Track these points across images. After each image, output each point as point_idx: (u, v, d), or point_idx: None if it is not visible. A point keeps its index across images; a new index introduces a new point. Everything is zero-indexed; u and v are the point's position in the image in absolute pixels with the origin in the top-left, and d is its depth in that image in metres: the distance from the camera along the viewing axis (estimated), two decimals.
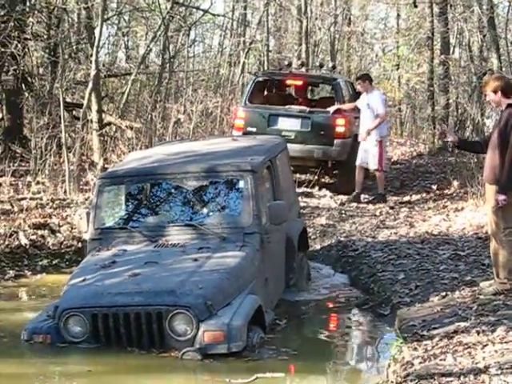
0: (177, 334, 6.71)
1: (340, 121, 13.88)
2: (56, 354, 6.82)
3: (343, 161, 14.08)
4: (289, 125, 13.98)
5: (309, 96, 17.85)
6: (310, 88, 18.34)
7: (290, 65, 16.12)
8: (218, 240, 7.66)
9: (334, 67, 16.43)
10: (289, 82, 15.84)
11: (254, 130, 13.44)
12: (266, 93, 15.62)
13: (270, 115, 14.05)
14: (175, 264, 7.31)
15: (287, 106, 14.59)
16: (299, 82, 15.55)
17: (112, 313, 6.76)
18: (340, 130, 13.86)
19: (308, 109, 14.32)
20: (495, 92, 7.76)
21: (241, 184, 7.92)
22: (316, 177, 14.63)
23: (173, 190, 8.19)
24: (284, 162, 9.46)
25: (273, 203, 8.07)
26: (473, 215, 11.48)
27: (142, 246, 7.75)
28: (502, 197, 7.60)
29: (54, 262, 10.25)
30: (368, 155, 13.19)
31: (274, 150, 9.09)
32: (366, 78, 13.71)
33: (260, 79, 15.17)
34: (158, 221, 8.07)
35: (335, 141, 13.80)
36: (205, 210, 8.08)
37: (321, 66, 16.34)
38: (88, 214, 8.08)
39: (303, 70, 16.50)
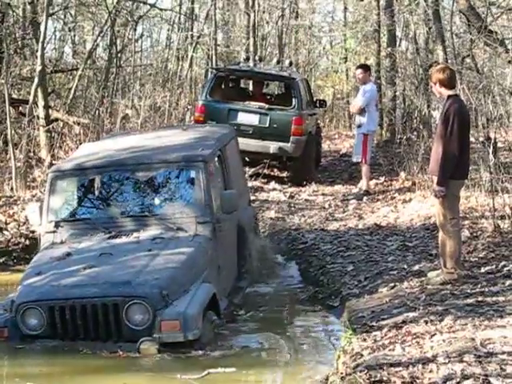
0: (133, 323, 6.78)
1: (296, 119, 14.27)
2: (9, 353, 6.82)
3: (297, 156, 14.48)
4: (247, 120, 14.32)
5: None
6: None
7: (247, 59, 16.46)
8: (171, 230, 7.76)
9: (290, 64, 16.97)
10: (249, 78, 16.48)
11: (213, 123, 13.52)
12: (225, 87, 15.82)
13: (229, 110, 14.38)
14: (130, 255, 7.39)
15: (246, 102, 14.90)
16: (259, 79, 16.05)
17: (69, 305, 6.82)
18: (296, 127, 14.23)
19: (267, 106, 14.70)
20: (438, 84, 7.83)
21: (192, 174, 8.07)
22: (265, 170, 14.72)
23: (125, 182, 8.24)
24: (234, 150, 9.62)
25: (224, 192, 8.24)
26: (420, 206, 11.57)
27: (96, 237, 7.81)
28: (437, 188, 7.68)
29: (1, 260, 10.14)
30: (355, 148, 13.29)
31: (224, 140, 9.22)
32: (367, 68, 13.85)
33: (221, 74, 15.49)
34: (111, 212, 8.15)
35: (291, 138, 14.22)
36: (157, 201, 8.16)
37: (278, 62, 16.66)
38: (40, 207, 8.10)
39: (261, 65, 16.62)
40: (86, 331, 6.85)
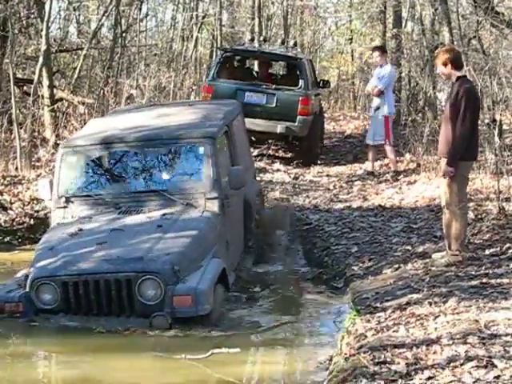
0: (146, 298, 6.91)
1: (303, 99, 14.42)
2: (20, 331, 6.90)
3: (304, 136, 14.62)
4: (255, 100, 14.46)
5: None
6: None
7: (252, 40, 16.61)
8: (180, 206, 7.89)
9: (295, 44, 17.16)
10: (256, 58, 16.62)
11: None
12: (231, 67, 15.83)
13: (236, 90, 14.43)
14: (141, 231, 7.51)
15: (253, 82, 15.02)
16: (266, 60, 16.12)
17: (82, 280, 6.95)
18: (303, 107, 14.36)
19: (274, 86, 14.81)
20: (445, 65, 7.79)
21: (201, 151, 8.15)
22: (270, 151, 14.75)
23: (135, 158, 8.33)
24: (239, 125, 9.77)
25: (232, 169, 8.35)
26: (425, 188, 11.57)
27: (107, 213, 7.94)
28: (448, 168, 7.67)
29: (5, 240, 10.15)
30: (377, 130, 13.19)
31: (231, 115, 9.33)
32: (384, 50, 13.81)
33: (228, 54, 15.65)
34: (121, 188, 8.24)
35: (298, 117, 14.38)
36: (167, 177, 8.25)
37: (282, 42, 16.74)
38: (51, 182, 8.22)
39: (266, 45, 16.69)
40: (99, 306, 6.98)
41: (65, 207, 8.09)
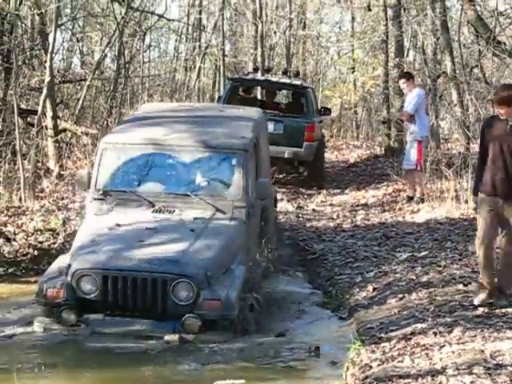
0: (179, 299, 7.40)
1: (309, 126, 15.22)
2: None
3: (310, 160, 15.47)
4: None
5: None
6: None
7: (256, 70, 16.96)
8: (210, 211, 8.35)
9: (298, 73, 17.44)
10: (263, 87, 17.23)
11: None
12: (239, 96, 16.30)
13: None
14: (175, 233, 7.99)
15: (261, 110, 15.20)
16: (272, 88, 16.92)
17: (122, 276, 7.41)
18: (309, 134, 15.16)
19: (281, 113, 15.64)
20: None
21: (233, 161, 8.67)
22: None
23: (171, 161, 8.79)
24: (264, 133, 10.42)
25: (260, 181, 8.91)
26: (429, 216, 11.57)
27: (141, 210, 8.40)
28: None
29: (9, 271, 10.13)
30: (408, 155, 13.09)
31: (259, 125, 9.90)
32: (409, 76, 13.73)
33: (236, 84, 16.37)
34: (155, 188, 8.67)
35: (304, 143, 15.10)
36: (199, 182, 8.68)
37: (285, 72, 17.08)
38: (89, 174, 8.78)
39: (269, 75, 17.02)
40: (134, 301, 7.41)
41: (102, 199, 8.53)
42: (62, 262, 7.88)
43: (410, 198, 13.03)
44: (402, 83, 13.45)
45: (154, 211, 8.35)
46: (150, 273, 7.43)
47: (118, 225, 8.10)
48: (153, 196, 8.53)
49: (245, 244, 8.38)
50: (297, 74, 17.44)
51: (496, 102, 7.45)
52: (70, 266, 7.59)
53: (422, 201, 12.74)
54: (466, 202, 11.70)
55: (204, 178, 8.70)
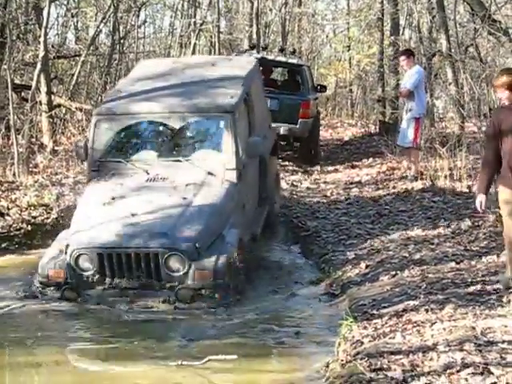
0: (171, 270, 7.81)
1: (304, 103, 15.38)
2: None
3: (304, 137, 15.64)
4: None
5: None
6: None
7: (253, 47, 17.11)
8: (201, 175, 8.64)
9: (294, 51, 17.38)
10: (261, 65, 16.90)
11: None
12: None
13: None
14: (167, 202, 8.29)
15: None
16: (268, 66, 16.78)
17: (115, 253, 7.83)
18: (304, 111, 15.33)
19: (277, 90, 15.70)
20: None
21: (221, 124, 8.94)
22: None
23: (161, 128, 9.23)
24: (258, 83, 10.77)
25: (250, 140, 9.11)
26: (423, 195, 11.58)
27: (136, 178, 8.73)
28: None
29: (2, 245, 10.14)
30: (405, 132, 12.95)
31: (251, 78, 10.11)
32: (410, 53, 13.62)
33: None
34: (148, 155, 9.08)
35: (300, 120, 15.30)
36: (189, 147, 9.11)
37: (282, 50, 17.08)
38: (86, 142, 9.11)
39: (265, 53, 17.01)
40: (130, 274, 7.82)
41: (98, 170, 8.95)
42: (61, 239, 8.22)
43: (415, 178, 12.83)
44: (402, 60, 13.33)
45: (147, 180, 8.65)
46: (142, 248, 7.76)
47: (113, 198, 8.40)
48: (146, 164, 8.86)
49: (238, 205, 8.70)
50: (293, 52, 17.37)
51: (497, 86, 7.32)
52: (68, 245, 7.95)
53: (416, 179, 12.71)
54: (460, 180, 11.71)
55: (194, 142, 9.11)
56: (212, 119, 9.03)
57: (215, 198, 8.38)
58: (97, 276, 7.86)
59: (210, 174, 8.62)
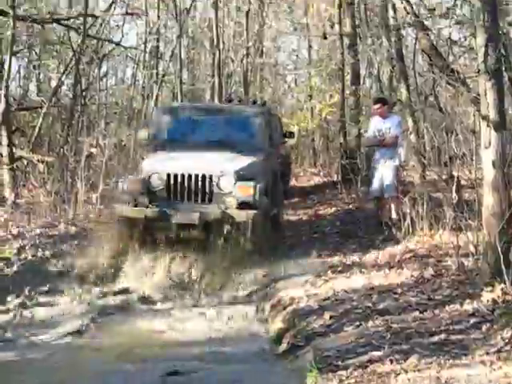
0: (221, 188, 11.15)
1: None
2: None
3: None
4: None
5: None
6: None
7: (230, 101, 16.78)
8: (239, 151, 11.85)
9: (264, 103, 17.14)
10: None
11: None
12: None
13: None
14: (217, 157, 11.58)
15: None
16: None
17: (181, 174, 11.21)
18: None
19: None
20: None
21: (256, 120, 12.87)
22: None
23: (211, 122, 12.77)
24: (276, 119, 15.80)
25: (274, 134, 13.69)
26: (386, 244, 11.63)
27: (189, 151, 11.77)
28: None
29: None
30: (385, 181, 12.84)
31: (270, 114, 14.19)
32: (385, 101, 13.58)
33: None
34: (199, 138, 12.33)
35: None
36: (231, 134, 12.50)
37: (254, 102, 17.00)
38: (148, 133, 12.86)
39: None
40: (189, 191, 11.13)
41: (156, 150, 12.34)
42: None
43: (387, 224, 12.47)
44: (378, 108, 13.16)
45: (199, 151, 11.63)
46: (201, 171, 11.12)
47: (173, 156, 11.64)
48: (197, 144, 11.95)
49: (266, 171, 11.92)
50: (264, 104, 17.11)
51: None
52: (142, 169, 11.43)
53: (400, 228, 12.48)
54: (422, 229, 11.72)
55: (234, 130, 12.57)
56: (249, 117, 12.83)
57: (251, 158, 11.72)
58: (164, 192, 11.04)
59: (246, 151, 11.81)
